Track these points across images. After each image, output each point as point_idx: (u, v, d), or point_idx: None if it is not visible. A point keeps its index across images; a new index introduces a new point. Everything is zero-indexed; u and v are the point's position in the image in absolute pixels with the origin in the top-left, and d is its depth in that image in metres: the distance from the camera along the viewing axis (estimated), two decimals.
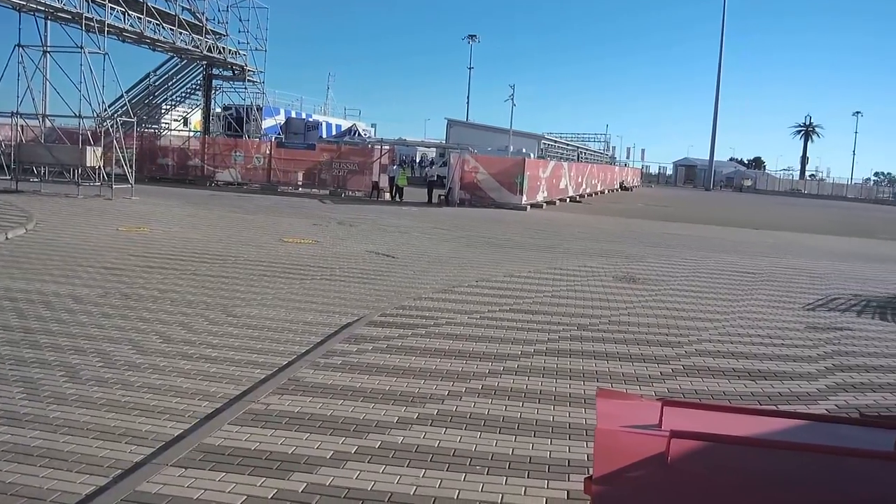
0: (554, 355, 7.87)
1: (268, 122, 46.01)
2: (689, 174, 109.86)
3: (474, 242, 18.21)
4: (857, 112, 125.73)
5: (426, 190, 32.85)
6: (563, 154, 74.66)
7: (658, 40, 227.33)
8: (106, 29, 26.96)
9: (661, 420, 3.46)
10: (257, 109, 40.49)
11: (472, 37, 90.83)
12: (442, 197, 31.85)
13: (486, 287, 11.84)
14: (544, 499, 4.58)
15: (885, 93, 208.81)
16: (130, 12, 28.86)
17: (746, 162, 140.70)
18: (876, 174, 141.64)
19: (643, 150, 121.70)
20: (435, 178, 34.64)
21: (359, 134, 60.55)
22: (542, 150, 65.79)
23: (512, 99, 57.52)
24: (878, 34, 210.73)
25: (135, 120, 29.73)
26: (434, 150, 59.49)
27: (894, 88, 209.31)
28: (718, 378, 7.45)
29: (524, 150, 51.99)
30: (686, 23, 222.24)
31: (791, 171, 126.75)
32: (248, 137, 38.91)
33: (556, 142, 78.79)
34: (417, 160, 62.48)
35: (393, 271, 13.02)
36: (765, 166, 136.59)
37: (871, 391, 7.34)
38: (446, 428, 5.62)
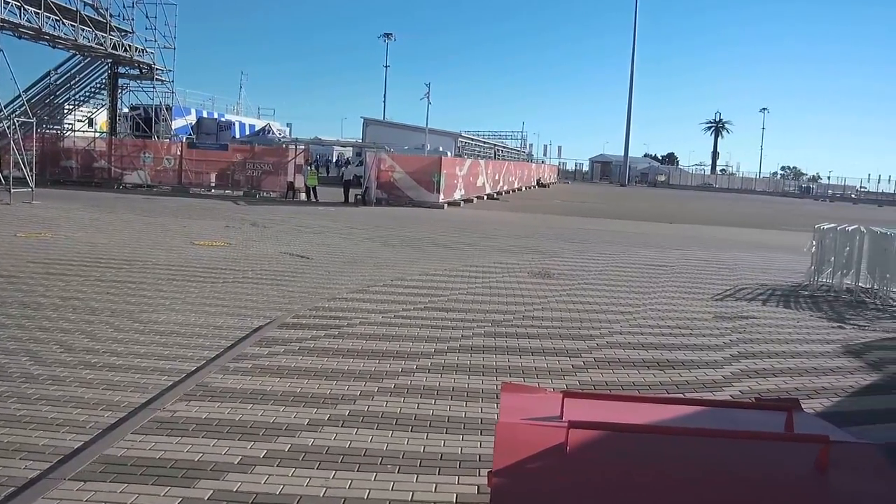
0: (467, 352, 7.90)
1: (178, 123, 44.80)
2: (605, 170, 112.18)
3: (391, 242, 18.14)
4: (764, 108, 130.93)
5: (342, 190, 32.58)
6: (480, 152, 75.11)
7: (571, 35, 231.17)
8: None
9: (562, 412, 3.49)
10: (167, 109, 39.35)
11: (387, 35, 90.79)
12: (359, 196, 31.66)
13: (402, 286, 11.81)
14: (455, 494, 4.58)
15: (791, 90, 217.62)
16: (27, 7, 27.63)
17: (660, 158, 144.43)
18: (782, 168, 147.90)
19: (560, 147, 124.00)
20: (351, 178, 34.39)
21: (273, 134, 59.67)
22: (459, 148, 66.06)
23: (428, 97, 57.37)
24: (784, 33, 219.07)
25: (34, 121, 28.47)
26: (350, 149, 59.08)
27: (800, 85, 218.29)
28: (629, 369, 7.61)
29: (441, 149, 52.14)
30: (598, 19, 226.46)
31: (703, 166, 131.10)
32: (158, 138, 37.84)
33: (473, 140, 79.22)
34: (334, 160, 61.89)
35: (307, 272, 12.85)
36: (678, 162, 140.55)
37: (773, 376, 7.63)
38: (357, 428, 5.57)
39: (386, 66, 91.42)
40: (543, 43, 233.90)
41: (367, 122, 67.01)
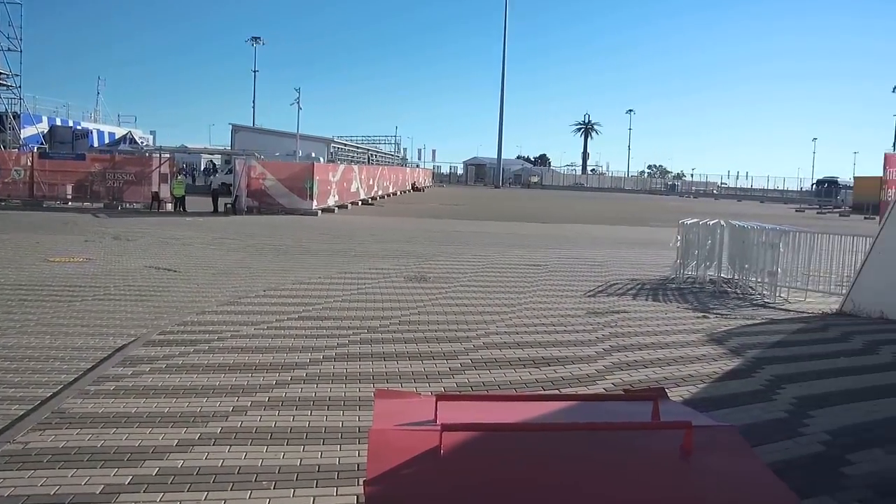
0: (343, 360, 7.76)
1: (28, 131, 42.19)
2: (480, 173, 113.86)
3: (263, 251, 17.71)
4: (631, 110, 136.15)
5: (211, 199, 31.60)
6: (353, 157, 74.75)
7: (444, 39, 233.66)
8: None
9: (435, 415, 3.44)
10: (14, 117, 37.04)
11: (255, 38, 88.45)
12: (228, 205, 30.81)
13: (275, 296, 11.52)
14: None
15: (656, 91, 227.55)
16: None
17: (533, 159, 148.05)
18: (649, 167, 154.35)
19: (434, 151, 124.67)
20: (220, 187, 33.44)
21: (135, 142, 57.23)
22: (332, 153, 65.48)
23: (298, 102, 56.69)
24: (648, 35, 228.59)
25: None
26: (219, 157, 57.47)
27: (664, 87, 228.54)
28: (505, 368, 7.67)
29: (313, 154, 51.50)
30: (468, 21, 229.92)
31: (574, 167, 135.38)
32: (5, 148, 35.56)
33: (346, 145, 78.72)
34: (202, 168, 59.97)
35: (175, 286, 12.33)
36: (550, 163, 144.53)
37: (644, 367, 7.89)
38: (230, 445, 5.34)
39: (254, 71, 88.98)
40: (414, 46, 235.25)
41: (236, 129, 65.30)
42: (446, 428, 2.97)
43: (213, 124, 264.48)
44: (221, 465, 4.99)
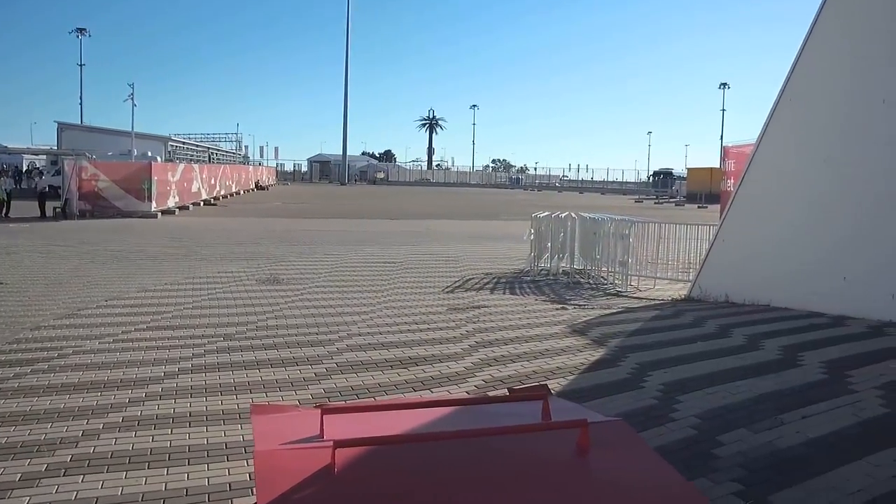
0: (201, 371, 7.35)
1: None
2: (325, 170, 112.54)
3: (100, 258, 16.60)
4: (474, 105, 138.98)
5: (38, 203, 29.40)
6: (193, 156, 72.04)
7: (286, 35, 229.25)
8: None
9: (322, 429, 3.25)
10: None
11: (81, 30, 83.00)
12: (58, 209, 28.79)
13: (118, 306, 10.80)
14: None
15: (499, 87, 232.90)
16: None
17: (378, 155, 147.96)
18: (493, 161, 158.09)
19: (276, 148, 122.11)
20: (47, 189, 31.22)
21: None
22: (170, 152, 62.78)
23: (132, 98, 53.75)
24: (491, 31, 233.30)
25: None
26: (44, 157, 53.75)
27: (507, 83, 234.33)
28: (372, 371, 7.51)
29: (150, 154, 49.11)
30: (310, 16, 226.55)
31: (420, 162, 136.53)
32: None
33: (185, 143, 75.71)
34: (24, 169, 55.87)
35: (2, 300, 11.33)
36: (395, 158, 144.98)
37: (511, 362, 7.95)
38: (84, 475, 4.88)
39: (81, 65, 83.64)
40: (254, 42, 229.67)
41: (63, 127, 61.20)
42: (339, 444, 2.80)
43: (34, 122, 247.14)
44: (74, 499, 4.55)
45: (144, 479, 4.82)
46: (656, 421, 6.02)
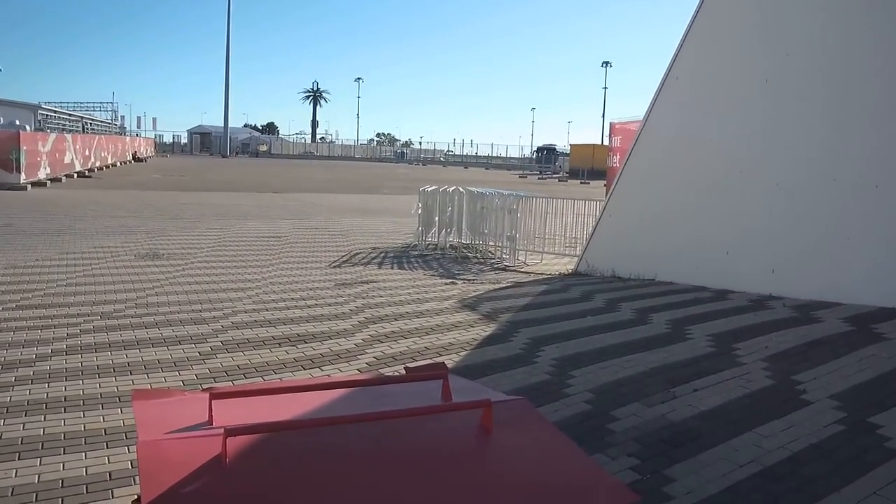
0: (76, 353, 6.95)
1: None
2: (205, 142, 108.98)
3: None
4: (359, 78, 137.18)
5: None
6: (66, 126, 68.24)
7: (162, 2, 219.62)
8: None
9: (210, 416, 3.07)
10: None
11: None
12: None
13: None
14: None
15: (384, 60, 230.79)
16: None
17: (261, 128, 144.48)
18: (378, 135, 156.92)
19: (154, 119, 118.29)
20: None
21: None
22: (40, 121, 59.23)
23: None
24: (376, 5, 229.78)
25: None
26: None
27: (393, 56, 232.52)
28: (259, 349, 7.30)
29: (18, 122, 46.21)
30: None
31: (303, 135, 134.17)
32: None
33: (56, 112, 71.54)
34: None
35: None
36: (278, 131, 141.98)
37: (402, 338, 7.88)
38: None
39: None
40: (130, 7, 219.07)
41: None
42: (231, 432, 2.65)
43: None
44: None
45: (14, 470, 4.50)
46: (551, 396, 6.08)
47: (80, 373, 6.40)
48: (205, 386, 5.68)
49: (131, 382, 6.18)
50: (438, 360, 7.01)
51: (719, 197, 11.08)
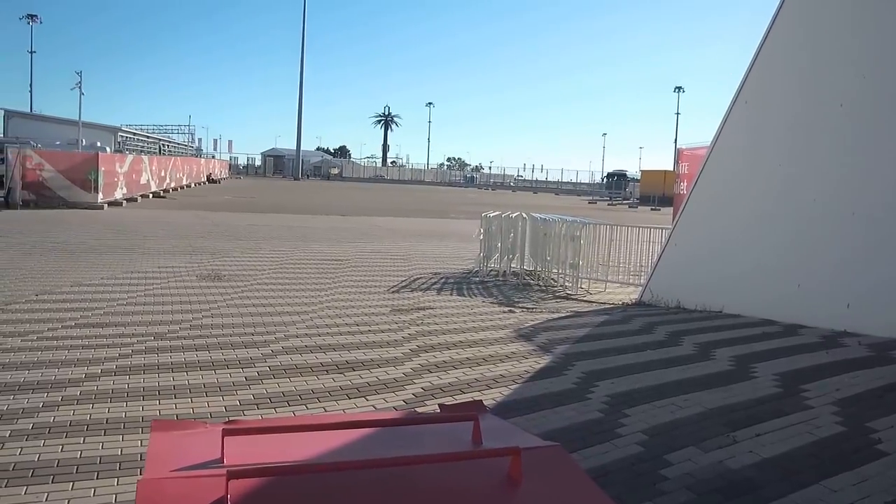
0: (125, 374, 6.97)
1: None
2: (279, 164, 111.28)
3: (37, 249, 15.97)
4: (430, 103, 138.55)
5: None
6: (144, 147, 70.62)
7: (241, 28, 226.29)
8: None
9: (222, 453, 2.91)
10: None
11: (31, 17, 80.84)
12: (0, 199, 27.86)
13: (48, 301, 10.32)
14: None
15: (453, 85, 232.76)
16: None
17: (332, 151, 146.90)
18: (448, 159, 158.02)
19: (230, 142, 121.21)
20: None
21: None
22: (119, 143, 61.44)
23: (80, 87, 52.28)
24: (446, 30, 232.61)
25: None
26: None
27: (459, 81, 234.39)
28: (306, 375, 7.20)
29: (99, 144, 48.00)
30: (267, 8, 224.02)
31: (374, 159, 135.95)
32: None
33: (135, 134, 74.16)
34: None
35: None
36: (350, 154, 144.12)
37: (453, 368, 7.69)
38: None
39: (31, 52, 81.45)
40: (209, 31, 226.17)
41: (10, 115, 59.46)
42: (233, 475, 2.49)
43: None
44: None
45: (46, 494, 4.46)
46: (601, 437, 5.78)
47: (126, 394, 6.40)
48: (231, 417, 5.60)
49: (174, 407, 6.14)
50: (488, 392, 6.81)
51: (790, 226, 10.60)
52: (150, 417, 5.82)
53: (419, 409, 6.21)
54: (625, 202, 69.66)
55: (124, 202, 31.89)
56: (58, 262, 14.29)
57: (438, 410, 3.73)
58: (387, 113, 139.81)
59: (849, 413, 6.55)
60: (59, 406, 6.02)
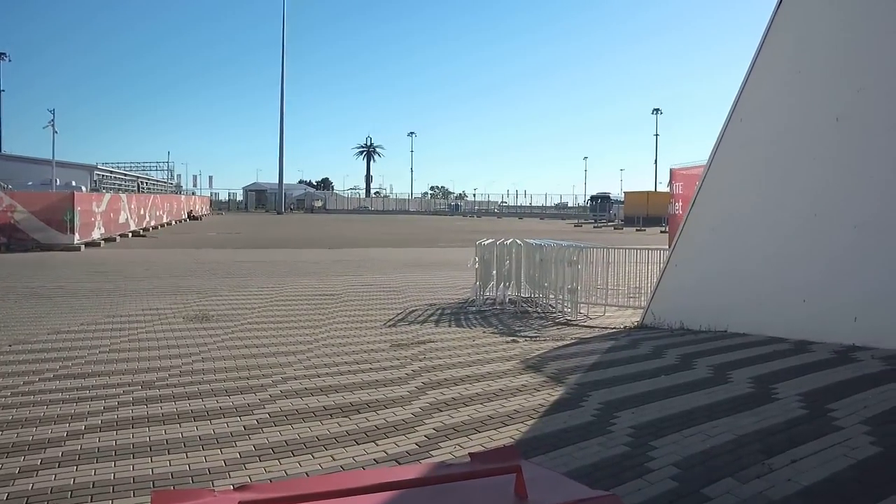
0: (112, 429, 6.39)
1: None
2: (261, 198, 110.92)
3: (11, 295, 15.23)
4: (412, 132, 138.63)
5: None
6: (122, 185, 69.99)
7: (219, 61, 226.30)
8: None
9: None
10: None
11: (0, 54, 79.88)
12: None
13: (23, 351, 9.68)
14: None
15: (437, 115, 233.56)
16: None
17: (315, 183, 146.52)
18: (432, 188, 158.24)
19: (211, 177, 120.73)
20: None
21: None
22: (96, 181, 60.79)
23: (52, 125, 51.58)
24: (429, 60, 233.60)
25: None
26: None
27: (445, 111, 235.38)
28: (310, 421, 6.67)
29: (74, 183, 47.37)
30: (243, 42, 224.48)
31: (358, 190, 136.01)
32: None
33: (112, 172, 73.49)
34: None
35: None
36: (333, 186, 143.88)
37: (464, 405, 7.17)
38: None
39: (0, 91, 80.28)
40: (186, 68, 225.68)
41: None
42: None
43: None
44: None
45: None
46: (632, 473, 5.30)
47: (114, 453, 5.82)
48: (238, 479, 5.06)
49: (168, 464, 5.58)
50: (504, 430, 6.32)
51: (792, 242, 10.29)
52: (142, 478, 5.27)
53: (442, 457, 5.69)
54: (609, 224, 69.70)
55: (102, 242, 31.23)
56: (33, 308, 13.62)
57: (468, 459, 3.26)
58: (369, 143, 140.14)
59: (883, 432, 6.15)
60: (37, 471, 5.43)
